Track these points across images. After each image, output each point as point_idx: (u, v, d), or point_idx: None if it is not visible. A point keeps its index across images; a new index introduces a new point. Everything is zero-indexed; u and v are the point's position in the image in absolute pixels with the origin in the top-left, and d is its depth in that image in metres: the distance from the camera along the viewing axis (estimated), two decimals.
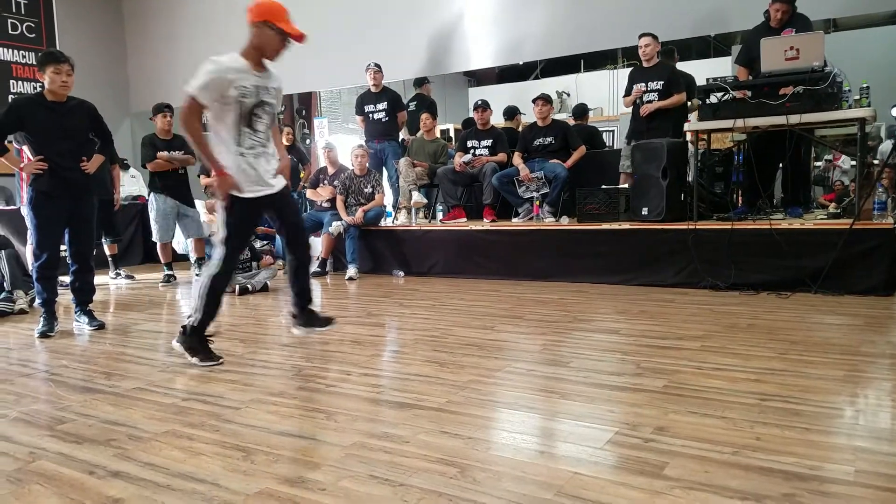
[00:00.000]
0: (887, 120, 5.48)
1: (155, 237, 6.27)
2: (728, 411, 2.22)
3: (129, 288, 6.18)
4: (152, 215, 6.22)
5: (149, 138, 6.13)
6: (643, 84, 5.63)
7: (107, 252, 6.53)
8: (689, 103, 5.81)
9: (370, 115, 6.98)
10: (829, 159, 9.05)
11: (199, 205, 6.59)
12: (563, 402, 2.44)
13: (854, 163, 5.56)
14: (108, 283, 6.41)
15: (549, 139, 6.10)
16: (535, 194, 5.91)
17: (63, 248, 4.07)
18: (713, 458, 1.84)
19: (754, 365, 2.78)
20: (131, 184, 8.15)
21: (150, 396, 2.63)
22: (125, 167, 8.01)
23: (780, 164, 5.19)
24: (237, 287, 5.31)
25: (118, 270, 6.63)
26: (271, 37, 2.96)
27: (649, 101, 5.58)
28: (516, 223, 6.00)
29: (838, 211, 4.90)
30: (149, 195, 6.26)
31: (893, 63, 4.56)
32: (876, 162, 5.78)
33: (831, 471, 1.75)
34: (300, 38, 3.00)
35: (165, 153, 6.01)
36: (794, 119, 4.46)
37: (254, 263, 5.59)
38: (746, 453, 1.87)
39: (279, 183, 3.11)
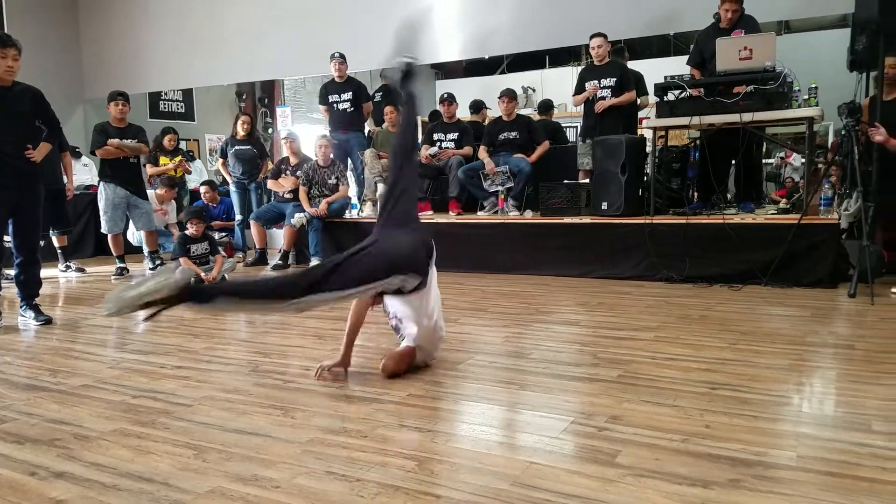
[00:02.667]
0: (835, 120, 5.64)
1: (104, 228, 6.10)
2: (679, 400, 2.27)
3: (79, 281, 6.01)
4: (101, 205, 6.04)
5: (101, 125, 5.96)
6: (596, 82, 5.72)
7: (56, 244, 6.32)
8: (638, 100, 5.93)
9: (335, 106, 6.90)
10: (781, 157, 9.33)
11: (150, 195, 6.44)
12: (523, 392, 2.47)
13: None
14: (58, 276, 6.22)
15: (513, 134, 6.14)
16: (500, 188, 5.94)
17: (7, 239, 3.94)
18: (664, 446, 1.88)
19: (705, 355, 2.85)
20: (83, 173, 7.90)
21: (98, 394, 2.57)
22: (77, 155, 7.77)
23: (734, 161, 5.32)
24: (192, 280, 5.20)
25: (68, 263, 6.43)
26: None
27: (602, 98, 5.68)
28: (482, 216, 6.02)
29: (788, 206, 5.05)
30: (98, 184, 6.08)
31: (841, 65, 4.70)
32: (821, 160, 5.96)
33: (775, 456, 1.81)
34: None
35: (116, 140, 5.84)
36: (747, 117, 4.58)
37: (211, 257, 5.48)
38: (696, 441, 1.92)
39: None
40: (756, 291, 4.37)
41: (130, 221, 6.28)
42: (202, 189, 7.05)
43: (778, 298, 4.14)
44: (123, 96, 5.99)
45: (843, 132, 4.42)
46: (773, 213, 4.93)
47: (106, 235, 6.18)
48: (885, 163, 4.32)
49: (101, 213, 6.06)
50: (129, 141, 5.92)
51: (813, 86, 4.82)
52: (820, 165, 5.45)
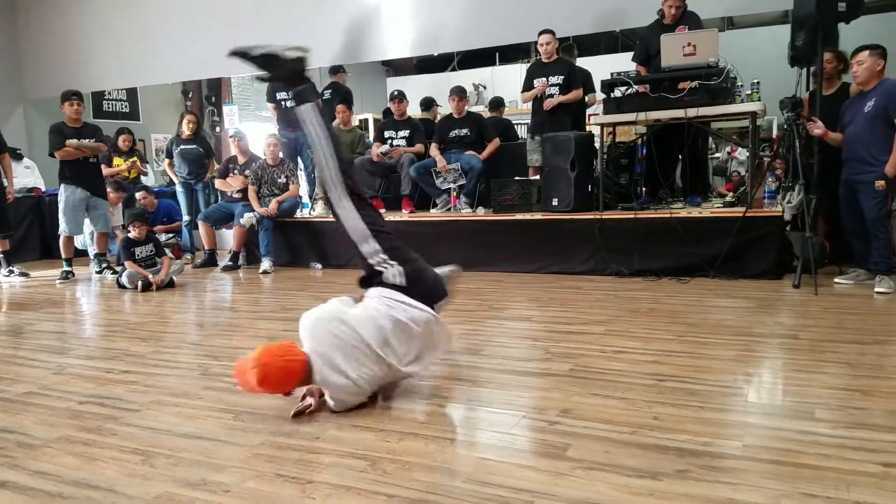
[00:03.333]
0: (778, 115, 5.83)
1: (62, 229, 5.91)
2: (628, 392, 2.32)
3: (22, 286, 5.78)
4: (61, 206, 5.87)
5: (57, 126, 5.77)
6: (545, 79, 5.77)
7: None
8: (586, 98, 6.01)
9: (282, 103, 6.80)
10: (728, 151, 9.59)
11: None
12: (475, 389, 2.48)
13: None
14: (0, 280, 5.98)
15: (464, 131, 6.15)
16: (452, 185, 5.95)
17: None
18: (613, 439, 1.92)
19: (654, 347, 2.91)
20: (25, 175, 7.61)
21: (42, 401, 2.48)
22: (18, 157, 7.48)
23: (680, 156, 5.44)
24: (139, 283, 5.08)
25: (10, 267, 6.18)
26: None
27: (550, 96, 5.74)
28: (434, 214, 6.02)
29: (733, 200, 5.20)
30: (59, 186, 5.90)
31: (782, 61, 4.84)
32: (765, 154, 6.16)
33: (721, 446, 1.86)
34: None
35: (75, 141, 5.68)
36: (692, 112, 4.69)
37: (157, 259, 5.35)
38: (644, 432, 1.96)
39: None
40: (703, 284, 4.48)
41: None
42: (138, 195, 6.87)
43: (725, 290, 4.26)
44: (78, 95, 5.83)
45: (785, 126, 4.57)
46: (718, 207, 5.06)
47: (53, 239, 5.99)
48: (826, 156, 4.48)
49: (60, 214, 5.88)
50: (88, 140, 5.75)
51: (755, 81, 4.96)
52: (765, 159, 5.62)
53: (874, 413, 2.07)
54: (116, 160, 7.09)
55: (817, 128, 4.34)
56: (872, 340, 2.95)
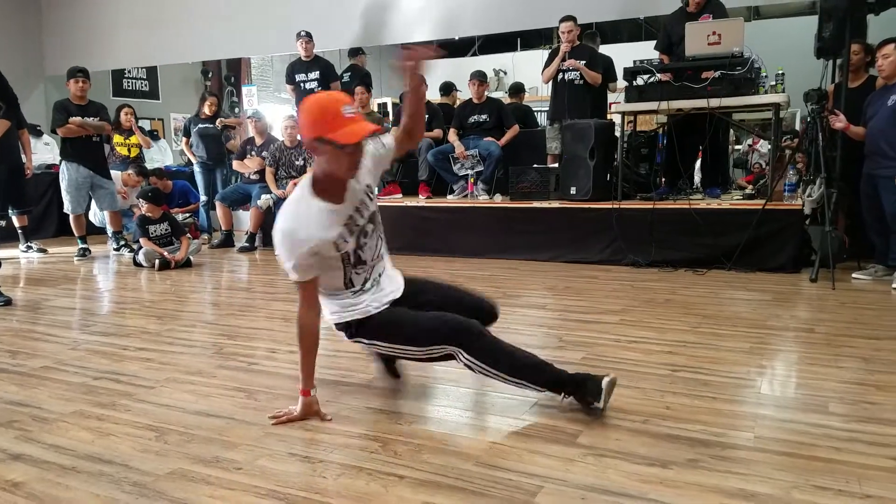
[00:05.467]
0: (802, 107, 5.74)
1: (67, 208, 5.97)
2: (641, 382, 2.31)
3: (40, 262, 5.86)
4: (63, 185, 5.90)
5: (61, 103, 5.79)
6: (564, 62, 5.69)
7: (16, 224, 6.15)
8: (608, 85, 5.93)
9: (301, 85, 6.79)
10: (749, 143, 9.47)
11: (116, 176, 6.29)
12: None
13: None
14: (19, 256, 6.06)
15: (483, 116, 6.12)
16: (469, 171, 5.93)
17: None
18: (625, 427, 1.91)
19: (668, 338, 2.89)
20: (45, 151, 7.69)
21: (58, 376, 2.52)
22: (38, 134, 7.55)
23: (701, 146, 5.38)
24: (156, 261, 5.13)
25: (29, 243, 6.26)
26: (333, 155, 1.90)
27: (571, 80, 5.64)
28: (451, 200, 6.01)
29: (753, 192, 5.13)
30: (60, 163, 5.93)
31: (808, 52, 4.76)
32: (785, 145, 6.07)
33: (733, 437, 1.85)
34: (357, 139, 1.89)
35: (78, 118, 5.69)
36: (715, 103, 4.63)
37: (175, 238, 5.40)
38: (656, 422, 1.95)
39: (398, 284, 2.20)
40: (720, 276, 4.44)
41: (92, 201, 6.14)
42: (150, 179, 6.88)
43: (741, 283, 4.22)
44: (83, 73, 5.81)
45: (808, 119, 4.49)
46: (738, 199, 5.00)
47: (68, 215, 6.04)
48: (848, 150, 4.40)
49: (64, 193, 5.92)
50: (91, 119, 5.75)
51: (780, 72, 4.88)
52: (787, 151, 5.54)
53: (888, 408, 2.05)
54: (117, 137, 7.05)
55: (839, 121, 4.26)
56: (888, 336, 2.91)
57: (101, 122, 5.82)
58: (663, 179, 5.58)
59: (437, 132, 6.33)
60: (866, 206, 4.27)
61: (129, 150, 7.04)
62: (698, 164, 5.91)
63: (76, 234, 6.02)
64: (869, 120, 4.21)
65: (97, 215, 6.47)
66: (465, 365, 1.99)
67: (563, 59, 5.61)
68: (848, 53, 4.38)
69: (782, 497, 1.52)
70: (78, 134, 5.75)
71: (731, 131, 6.77)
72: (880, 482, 1.58)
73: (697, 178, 6.04)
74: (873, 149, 4.16)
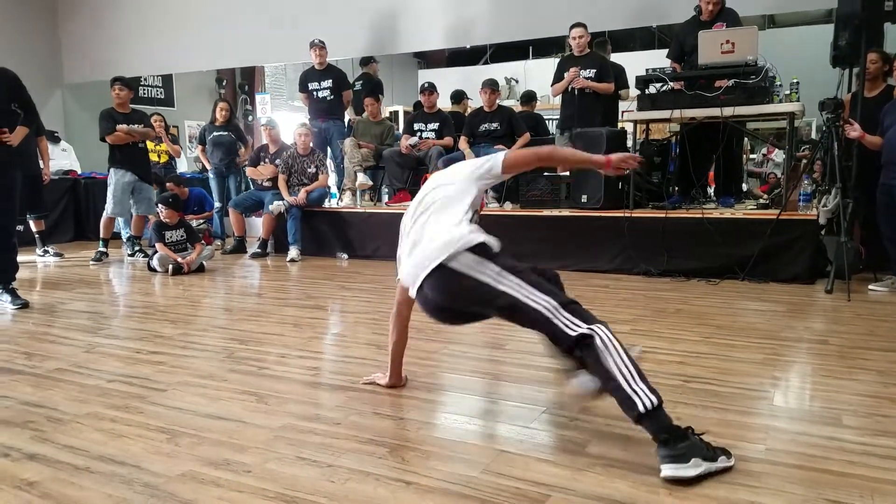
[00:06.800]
0: (816, 116, 5.71)
1: (109, 211, 6.08)
2: None
3: (57, 266, 5.93)
4: (110, 189, 6.06)
5: (107, 112, 5.96)
6: (577, 67, 5.70)
7: (33, 228, 6.26)
8: (620, 93, 5.93)
9: (314, 94, 6.85)
10: (764, 153, 9.41)
11: None
12: (497, 382, 2.48)
13: None
14: (35, 260, 6.14)
15: (494, 125, 6.13)
16: None
17: None
18: (633, 437, 1.89)
19: (680, 348, 2.87)
20: (62, 157, 7.79)
21: (72, 378, 2.54)
22: (55, 140, 7.66)
23: (714, 156, 5.35)
24: (170, 266, 5.17)
25: (46, 248, 6.35)
26: None
27: (581, 88, 5.66)
28: None
29: (767, 202, 5.10)
30: (108, 169, 6.09)
31: (824, 61, 4.73)
32: (801, 154, 6.03)
33: (744, 448, 1.83)
34: None
35: (125, 126, 5.89)
36: (728, 111, 4.61)
37: (189, 245, 5.45)
38: None
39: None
40: (733, 286, 4.41)
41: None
42: (168, 185, 6.98)
43: (755, 293, 4.19)
44: (120, 80, 6.00)
45: (824, 128, 4.46)
46: (752, 209, 4.97)
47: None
48: (865, 160, 4.37)
49: (109, 196, 6.06)
50: (137, 126, 5.95)
51: (795, 81, 4.86)
52: (803, 161, 5.50)
53: None
54: (149, 143, 7.17)
55: (854, 130, 4.23)
56: None
57: (146, 128, 6.03)
58: (676, 188, 5.56)
59: (448, 140, 6.35)
60: (883, 217, 4.23)
61: (158, 157, 7.24)
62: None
63: (102, 236, 6.13)
64: (886, 130, 4.17)
65: (116, 221, 6.55)
66: (602, 342, 1.73)
67: (573, 88, 5.65)
68: (864, 62, 4.35)
69: None
70: (125, 141, 5.93)
71: (746, 140, 6.73)
72: (894, 497, 1.56)
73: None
74: (890, 159, 4.12)
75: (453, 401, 2.30)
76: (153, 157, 7.05)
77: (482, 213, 2.44)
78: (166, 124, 7.54)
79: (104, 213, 6.14)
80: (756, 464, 1.74)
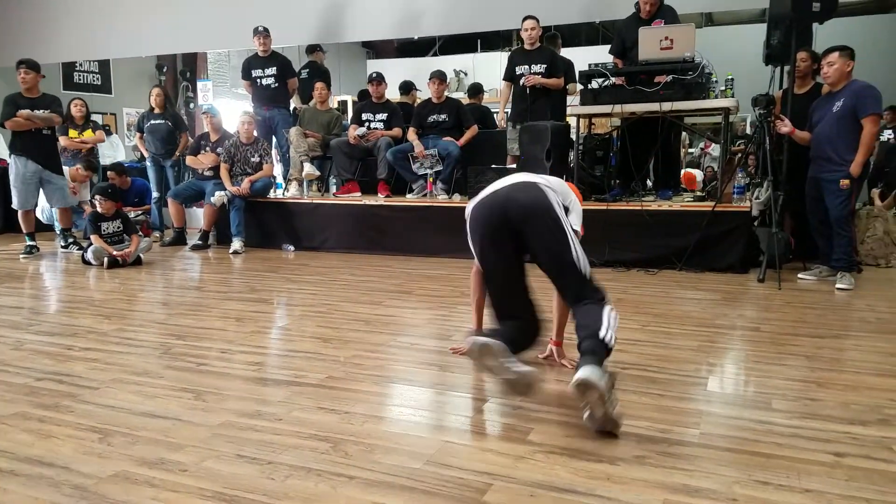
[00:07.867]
0: (750, 111, 5.91)
1: (14, 204, 5.75)
2: None
3: None
4: (11, 179, 5.68)
5: (11, 96, 5.59)
6: (527, 66, 5.75)
7: None
8: (567, 88, 6.01)
9: (258, 81, 6.69)
10: (702, 147, 9.72)
11: (66, 171, 6.10)
12: (442, 374, 2.48)
13: None
14: None
15: (442, 116, 6.13)
16: (428, 171, 5.92)
17: None
18: (574, 424, 1.94)
19: (618, 336, 2.92)
20: None
21: None
22: None
23: (653, 150, 5.48)
24: (105, 259, 4.99)
25: None
26: None
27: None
28: (410, 199, 6.00)
29: (703, 194, 5.26)
30: (9, 157, 5.72)
31: (757, 59, 4.90)
32: (735, 149, 6.24)
33: (679, 433, 1.89)
34: None
35: (26, 111, 5.48)
36: (667, 106, 4.72)
37: (126, 236, 5.26)
38: None
39: None
40: (671, 276, 4.54)
41: (41, 197, 5.93)
42: (109, 174, 6.71)
43: (691, 282, 4.32)
44: (25, 63, 5.60)
45: (756, 123, 4.62)
46: (689, 201, 5.12)
47: (16, 211, 5.82)
48: (795, 154, 4.55)
49: (12, 187, 5.70)
50: (41, 111, 5.56)
51: (729, 77, 5.01)
52: (739, 154, 5.69)
53: (828, 404, 2.12)
54: (72, 132, 6.85)
55: (784, 125, 4.41)
56: (831, 335, 3.02)
57: (50, 114, 5.62)
58: (617, 181, 5.67)
59: (397, 131, 6.32)
60: (811, 209, 4.42)
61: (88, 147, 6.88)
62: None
63: (24, 231, 5.80)
64: (814, 125, 4.35)
65: (45, 212, 6.26)
66: (610, 306, 2.24)
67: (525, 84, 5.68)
68: (794, 60, 4.52)
69: (724, 492, 1.56)
70: (26, 127, 5.53)
71: (684, 134, 6.92)
72: (820, 477, 1.63)
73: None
74: (818, 153, 4.31)
75: (399, 393, 2.30)
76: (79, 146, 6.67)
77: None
78: (87, 110, 7.10)
79: (13, 207, 5.78)
80: (690, 447, 1.80)
